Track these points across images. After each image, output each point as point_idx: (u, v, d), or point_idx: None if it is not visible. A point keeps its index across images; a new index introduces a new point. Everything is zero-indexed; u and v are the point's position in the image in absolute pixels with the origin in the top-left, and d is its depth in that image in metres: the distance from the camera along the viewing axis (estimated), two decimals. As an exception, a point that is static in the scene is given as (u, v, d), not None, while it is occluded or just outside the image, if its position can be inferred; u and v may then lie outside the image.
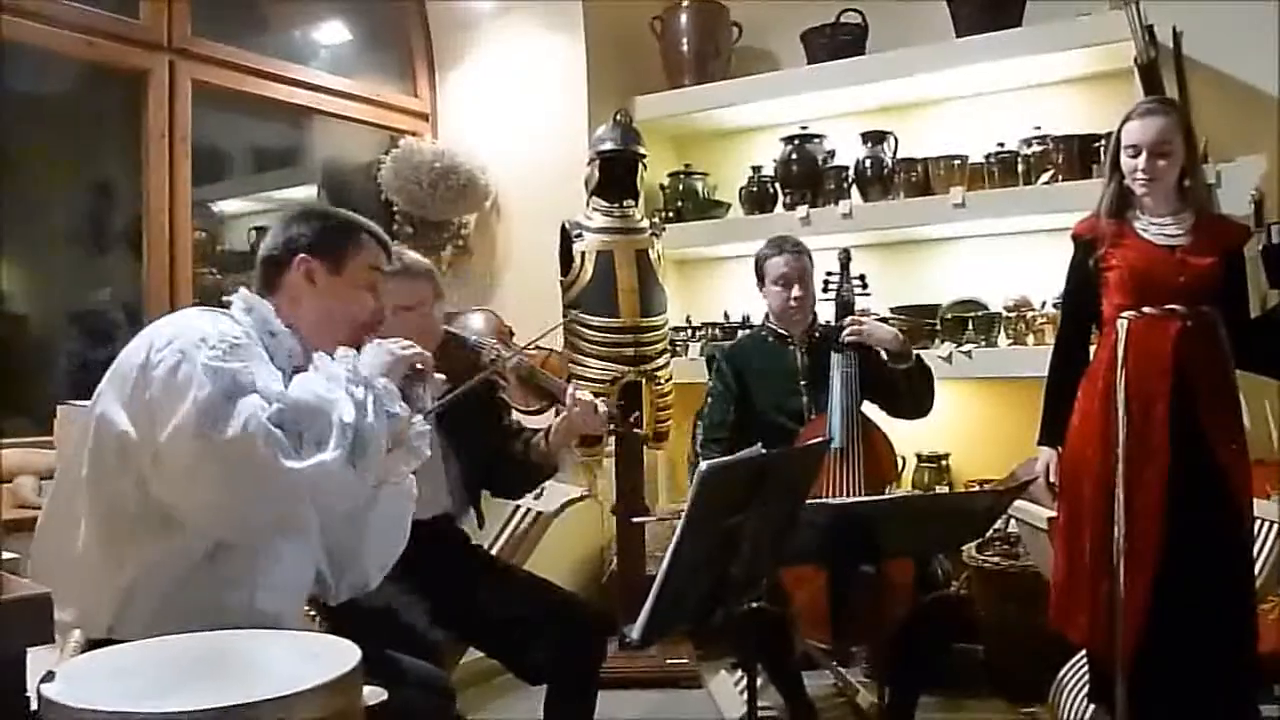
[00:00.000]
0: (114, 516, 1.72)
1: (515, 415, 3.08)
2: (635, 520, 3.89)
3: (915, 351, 3.36)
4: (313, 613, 2.06)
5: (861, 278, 3.48)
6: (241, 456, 1.62)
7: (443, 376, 2.12)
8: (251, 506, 1.67)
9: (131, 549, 1.68)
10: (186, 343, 1.75)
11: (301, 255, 1.99)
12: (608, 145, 4.18)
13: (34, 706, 1.07)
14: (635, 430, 3.34)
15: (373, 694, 1.17)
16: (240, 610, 1.68)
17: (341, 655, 1.13)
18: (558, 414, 2.93)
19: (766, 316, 3.57)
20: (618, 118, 4.25)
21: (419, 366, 2.00)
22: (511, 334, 3.19)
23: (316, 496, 1.72)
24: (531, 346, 2.85)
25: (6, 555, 1.35)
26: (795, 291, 3.41)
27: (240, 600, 1.71)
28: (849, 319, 3.34)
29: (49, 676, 1.07)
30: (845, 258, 3.51)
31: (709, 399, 3.48)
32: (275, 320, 1.95)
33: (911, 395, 3.36)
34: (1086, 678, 3.07)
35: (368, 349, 1.94)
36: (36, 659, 1.12)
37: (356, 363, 1.85)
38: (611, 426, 3.06)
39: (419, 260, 2.82)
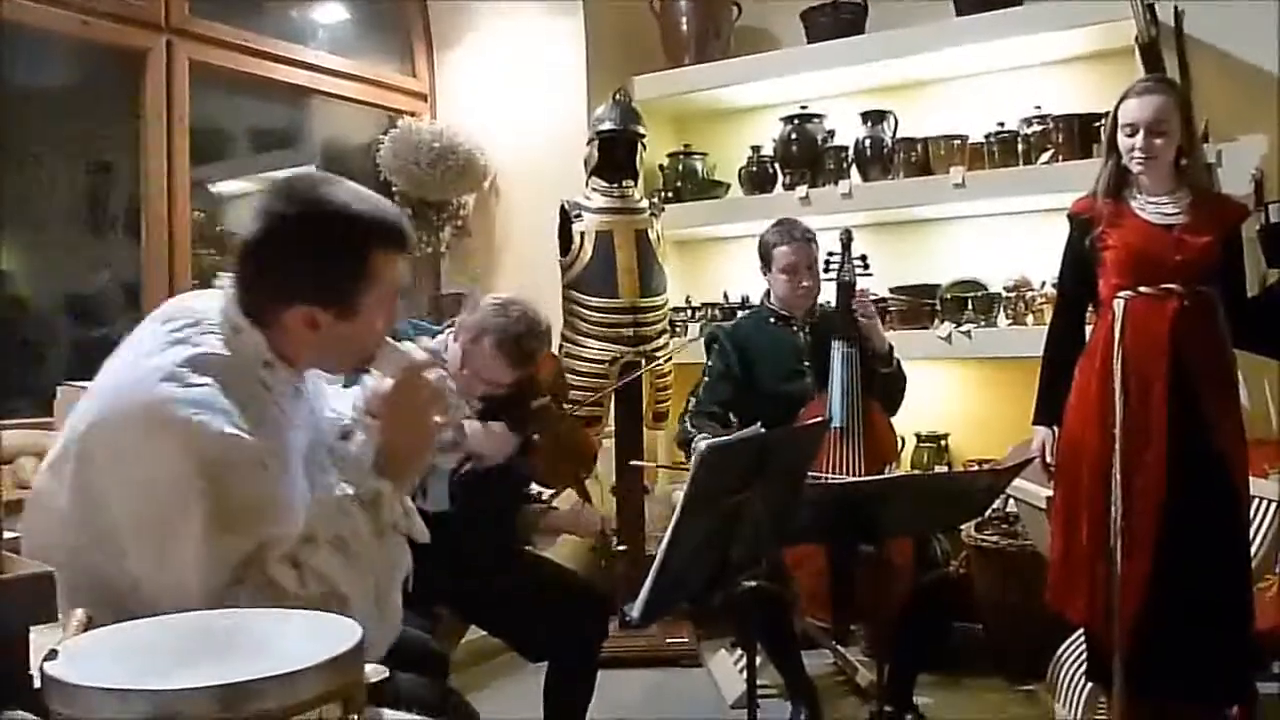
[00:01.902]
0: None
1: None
2: (634, 464, 3.92)
3: (897, 358, 3.44)
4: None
5: (863, 258, 3.48)
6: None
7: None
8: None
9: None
10: (188, 462, 1.41)
11: (302, 308, 1.56)
12: (607, 125, 4.18)
13: (37, 685, 1.07)
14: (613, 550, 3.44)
15: (374, 671, 1.17)
16: None
17: (343, 632, 1.13)
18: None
19: (766, 295, 3.57)
20: (617, 97, 4.24)
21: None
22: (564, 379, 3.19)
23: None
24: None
25: (8, 535, 1.35)
26: (804, 281, 3.42)
27: None
28: (858, 301, 3.36)
29: (52, 655, 1.07)
30: (847, 238, 3.50)
31: (705, 378, 3.48)
32: (268, 351, 1.58)
33: (883, 396, 3.41)
34: (1084, 656, 3.08)
35: (393, 429, 1.61)
36: (39, 637, 1.13)
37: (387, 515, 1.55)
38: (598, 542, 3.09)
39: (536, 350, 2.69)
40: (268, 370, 1.57)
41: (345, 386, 1.87)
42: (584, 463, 2.98)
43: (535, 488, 3.00)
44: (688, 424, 3.35)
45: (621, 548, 3.46)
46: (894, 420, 3.44)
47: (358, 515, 1.52)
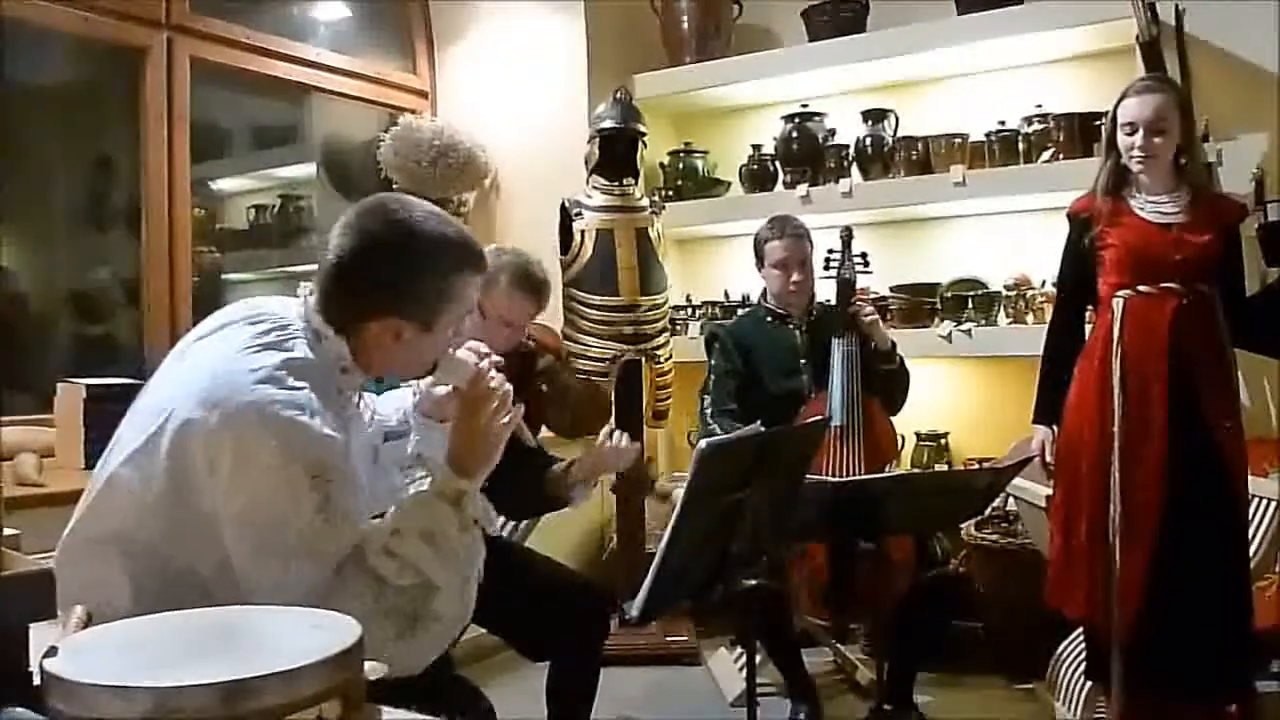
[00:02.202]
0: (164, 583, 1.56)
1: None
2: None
3: (900, 356, 3.43)
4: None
5: (863, 256, 3.48)
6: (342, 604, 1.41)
7: (533, 441, 2.03)
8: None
9: (157, 605, 1.43)
10: (292, 458, 1.49)
11: (389, 319, 1.65)
12: (608, 123, 4.17)
13: (37, 682, 1.07)
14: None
15: (373, 669, 1.17)
16: None
17: (344, 629, 1.13)
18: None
19: (764, 294, 3.57)
20: (618, 95, 4.24)
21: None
22: (569, 355, 3.21)
23: None
24: (539, 318, 2.82)
25: (8, 532, 1.36)
26: (795, 276, 3.42)
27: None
28: (862, 298, 3.36)
29: (52, 652, 1.07)
30: (847, 235, 3.51)
31: (711, 377, 3.48)
32: (348, 357, 1.67)
33: (886, 394, 3.41)
34: (1084, 654, 3.09)
35: (463, 436, 1.68)
36: (39, 634, 1.13)
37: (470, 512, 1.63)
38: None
39: (546, 282, 2.79)
40: (344, 376, 1.68)
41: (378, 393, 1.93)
42: (598, 409, 2.98)
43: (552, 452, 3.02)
44: (714, 425, 3.31)
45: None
46: (894, 419, 3.45)
47: (442, 511, 1.60)
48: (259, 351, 1.58)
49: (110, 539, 1.57)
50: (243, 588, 1.49)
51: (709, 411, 3.39)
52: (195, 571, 1.54)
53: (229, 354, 1.58)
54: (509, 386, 1.73)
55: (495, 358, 1.78)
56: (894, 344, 3.41)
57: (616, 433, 2.75)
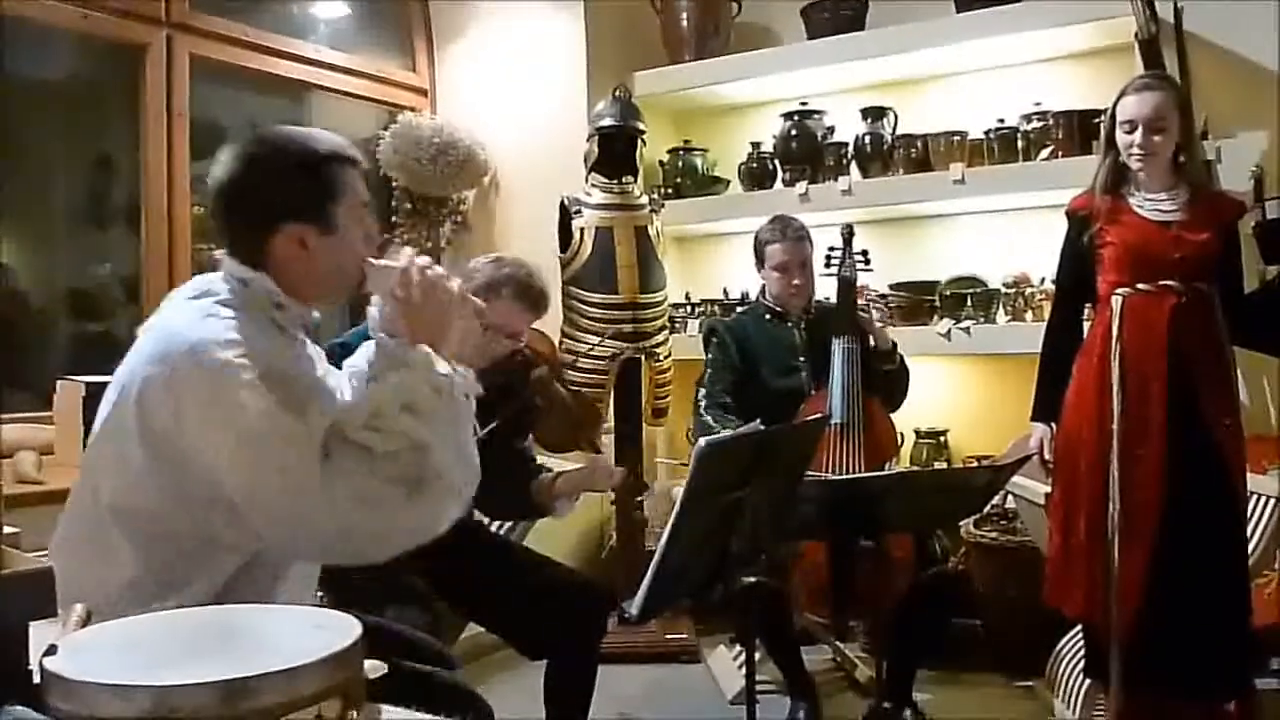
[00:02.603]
0: (164, 546, 1.61)
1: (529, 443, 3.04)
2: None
3: (900, 354, 3.42)
4: (320, 593, 2.06)
5: (864, 254, 3.48)
6: (360, 518, 1.55)
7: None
8: (364, 543, 1.59)
9: (177, 574, 1.60)
10: (234, 382, 1.55)
11: (288, 225, 1.71)
12: (607, 121, 4.18)
13: (37, 680, 1.07)
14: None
15: (373, 668, 1.17)
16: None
17: (344, 628, 1.13)
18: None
19: (762, 292, 3.57)
20: (617, 93, 4.24)
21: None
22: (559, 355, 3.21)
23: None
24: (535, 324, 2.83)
25: (7, 529, 1.36)
26: (796, 280, 3.42)
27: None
28: (871, 309, 3.36)
29: (51, 650, 1.07)
30: (848, 233, 3.51)
31: (708, 370, 3.48)
32: (278, 291, 1.71)
33: (886, 393, 3.41)
34: (1083, 652, 3.09)
35: (408, 318, 1.71)
36: (39, 633, 1.13)
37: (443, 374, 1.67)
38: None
39: (545, 294, 2.81)
40: (280, 312, 1.71)
41: (336, 364, 1.91)
42: (589, 423, 2.99)
43: (542, 458, 3.03)
44: (707, 417, 3.32)
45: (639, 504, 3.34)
46: (893, 416, 3.44)
47: (410, 378, 1.64)
48: (193, 303, 1.67)
49: (107, 516, 1.61)
50: (259, 524, 1.55)
51: (703, 404, 3.39)
52: (210, 528, 1.59)
53: (167, 317, 1.68)
54: (441, 269, 1.75)
55: (422, 258, 1.77)
56: (895, 344, 3.41)
57: (604, 458, 2.83)
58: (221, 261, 1.75)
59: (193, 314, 1.64)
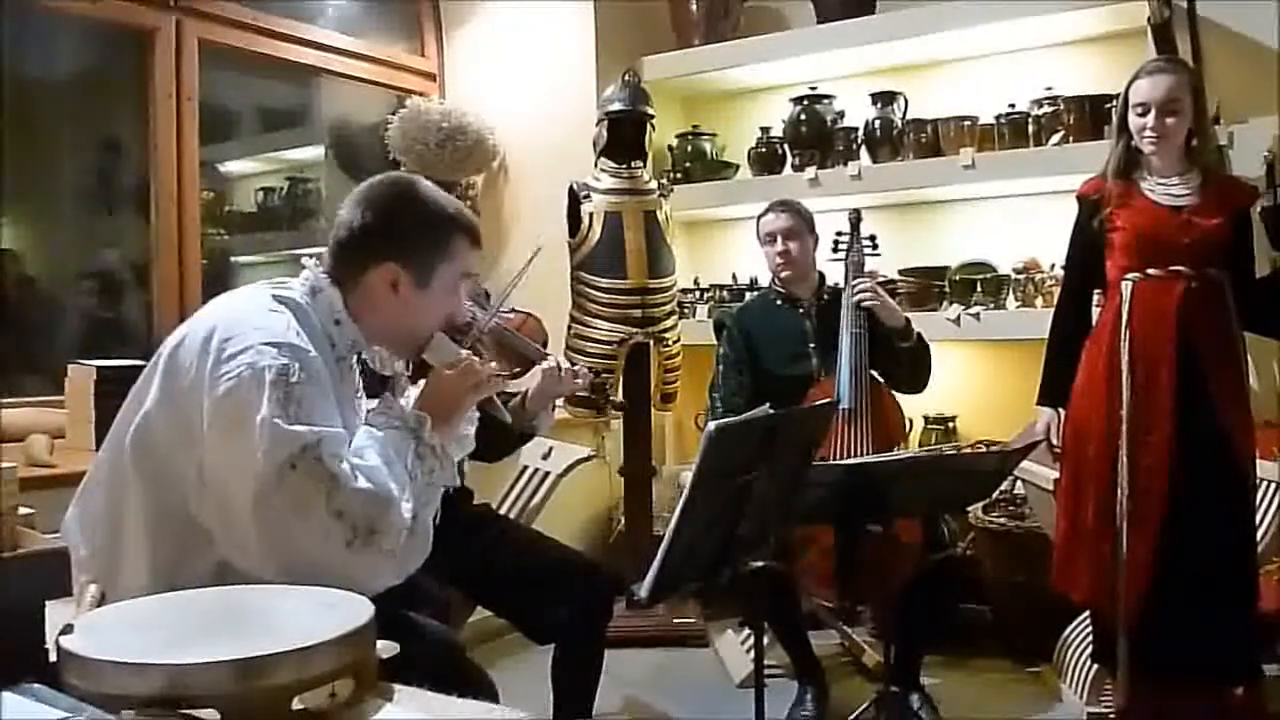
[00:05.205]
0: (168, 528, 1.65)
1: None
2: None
3: (917, 331, 3.38)
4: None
5: (872, 238, 3.47)
6: (293, 536, 1.55)
7: (507, 417, 2.14)
8: (300, 570, 1.56)
9: (175, 557, 1.63)
10: (252, 369, 1.60)
11: (390, 264, 1.79)
12: (616, 106, 4.17)
13: (53, 658, 1.08)
14: (611, 400, 3.13)
15: (386, 648, 1.18)
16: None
17: (355, 608, 1.14)
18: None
19: (774, 278, 3.56)
20: (626, 78, 4.23)
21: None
22: (487, 296, 3.15)
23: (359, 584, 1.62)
24: (502, 306, 2.80)
25: (23, 511, 1.37)
26: (779, 246, 3.40)
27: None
28: (864, 285, 3.32)
29: (68, 629, 1.08)
30: (856, 218, 3.50)
31: (720, 367, 3.48)
32: (342, 309, 1.80)
33: (909, 372, 3.38)
34: (1091, 638, 3.09)
35: (436, 391, 1.83)
36: (55, 612, 1.14)
37: (425, 440, 1.75)
38: (590, 394, 3.01)
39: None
40: (337, 328, 1.79)
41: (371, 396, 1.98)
42: (522, 337, 2.96)
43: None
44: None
45: (613, 400, 3.25)
46: (902, 402, 3.43)
47: (401, 437, 1.73)
48: (262, 290, 1.78)
49: (128, 450, 1.68)
50: (210, 504, 1.60)
51: (718, 409, 3.40)
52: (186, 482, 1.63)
53: (235, 292, 1.83)
54: (490, 371, 1.87)
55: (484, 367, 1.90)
56: (908, 320, 3.36)
57: (558, 358, 2.81)
58: (311, 266, 1.83)
59: (253, 300, 1.74)
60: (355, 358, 1.89)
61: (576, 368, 2.83)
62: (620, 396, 3.10)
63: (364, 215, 1.80)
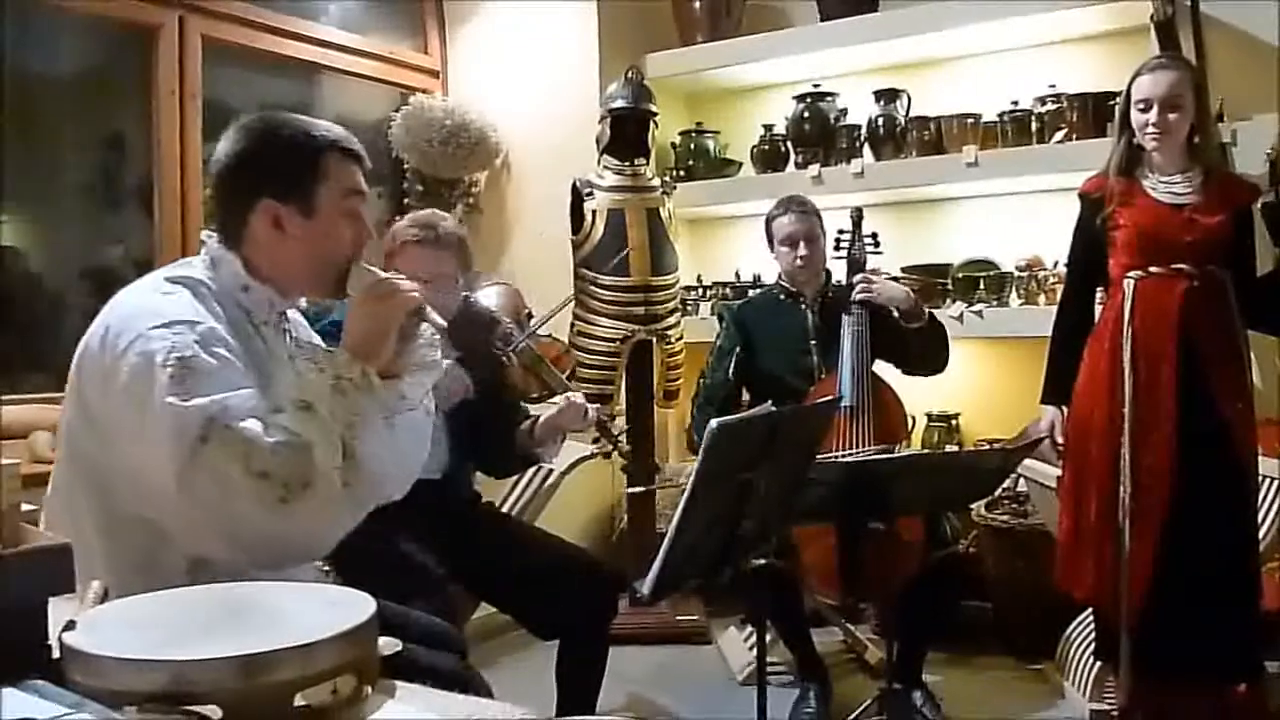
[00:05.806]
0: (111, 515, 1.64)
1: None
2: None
3: (928, 309, 3.34)
4: (326, 567, 2.07)
5: (874, 236, 3.48)
6: (226, 509, 1.50)
7: (443, 322, 1.86)
8: (248, 551, 1.55)
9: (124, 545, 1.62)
10: (143, 355, 1.56)
11: (264, 201, 1.71)
12: (619, 103, 4.17)
13: (56, 655, 1.08)
14: (619, 443, 3.06)
15: (388, 644, 1.18)
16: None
17: (357, 605, 1.14)
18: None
19: (780, 275, 3.56)
20: (629, 75, 4.23)
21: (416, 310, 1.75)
22: (529, 316, 3.16)
23: (313, 538, 1.62)
24: (541, 330, 2.84)
25: (25, 506, 1.37)
26: (801, 251, 3.41)
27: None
28: (859, 277, 3.32)
29: (70, 625, 1.09)
30: (858, 216, 3.50)
31: (710, 356, 3.49)
32: (245, 274, 1.73)
33: (925, 353, 3.36)
34: (1093, 635, 3.09)
35: (352, 319, 1.70)
36: (57, 608, 1.14)
37: (337, 373, 1.63)
38: (597, 436, 3.03)
39: (451, 231, 2.77)
40: (245, 294, 1.73)
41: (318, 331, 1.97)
42: (550, 366, 3.00)
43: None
44: (698, 419, 3.37)
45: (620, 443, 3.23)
46: (904, 399, 3.43)
47: (315, 377, 1.64)
48: (153, 277, 1.72)
49: (67, 465, 1.69)
50: (130, 474, 1.58)
51: (699, 400, 3.43)
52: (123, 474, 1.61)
53: (129, 286, 1.73)
54: (416, 291, 1.74)
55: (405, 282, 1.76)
56: (916, 299, 3.29)
57: (576, 395, 2.84)
58: (205, 240, 1.78)
59: (145, 288, 1.69)
60: (279, 317, 1.81)
61: (592, 408, 2.86)
62: (626, 444, 3.08)
63: (225, 159, 1.74)
